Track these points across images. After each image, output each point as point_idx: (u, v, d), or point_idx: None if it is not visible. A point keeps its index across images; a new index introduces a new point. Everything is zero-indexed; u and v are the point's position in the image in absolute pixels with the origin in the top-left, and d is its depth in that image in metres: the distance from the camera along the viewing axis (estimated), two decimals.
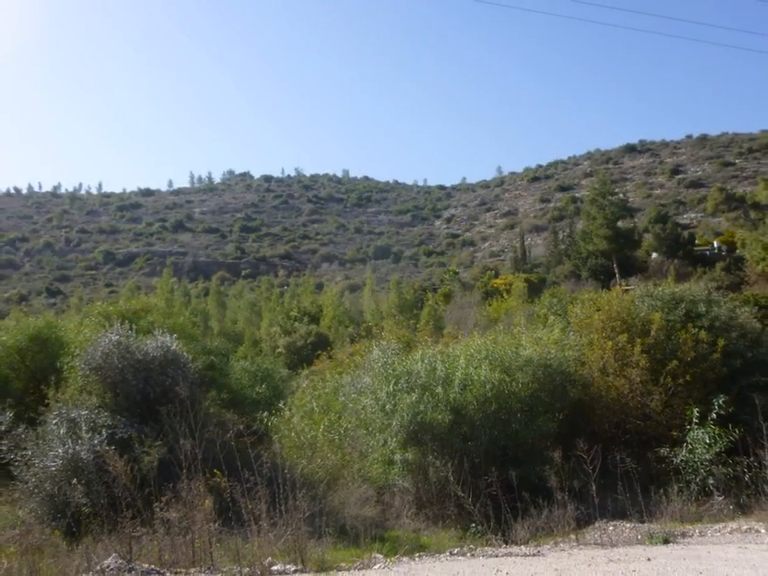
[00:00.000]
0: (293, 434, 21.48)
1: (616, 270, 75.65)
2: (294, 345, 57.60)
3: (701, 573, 9.97)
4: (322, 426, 21.19)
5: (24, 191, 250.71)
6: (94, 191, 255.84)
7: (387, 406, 18.60)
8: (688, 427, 17.77)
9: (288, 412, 23.40)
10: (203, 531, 11.33)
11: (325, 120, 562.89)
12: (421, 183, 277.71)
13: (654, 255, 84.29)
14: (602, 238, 75.58)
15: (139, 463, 13.67)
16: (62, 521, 14.08)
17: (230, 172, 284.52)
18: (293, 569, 10.84)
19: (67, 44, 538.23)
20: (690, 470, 17.22)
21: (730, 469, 16.68)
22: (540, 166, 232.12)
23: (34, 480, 15.13)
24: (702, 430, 17.36)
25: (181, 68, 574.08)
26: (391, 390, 18.97)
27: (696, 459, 17.17)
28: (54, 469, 14.90)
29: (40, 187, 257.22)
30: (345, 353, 38.02)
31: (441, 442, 17.57)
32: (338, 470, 18.68)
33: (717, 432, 17.04)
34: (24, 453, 15.66)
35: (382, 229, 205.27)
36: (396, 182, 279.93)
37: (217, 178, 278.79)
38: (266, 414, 23.10)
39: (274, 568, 10.74)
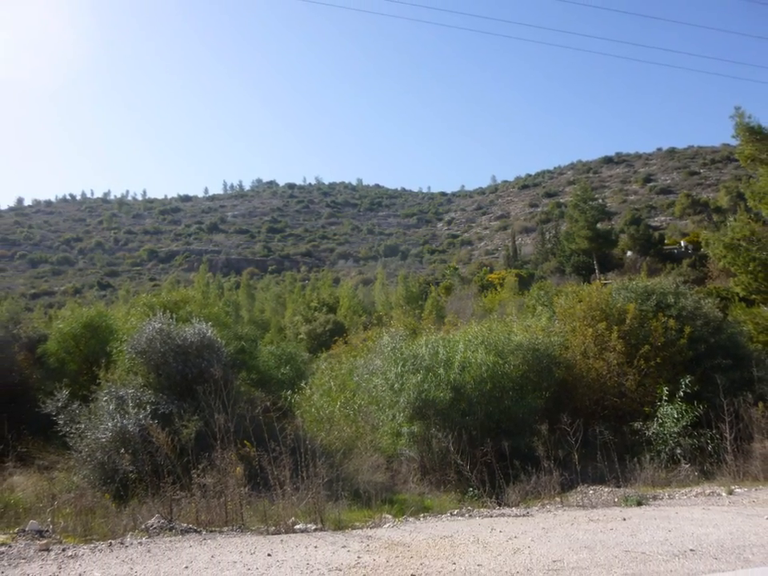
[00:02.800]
0: (313, 409, 21.53)
1: (596, 266, 75.44)
2: (314, 331, 57.60)
3: (670, 531, 9.95)
4: (338, 403, 21.22)
5: (78, 197, 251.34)
6: (139, 197, 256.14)
7: (395, 385, 18.62)
8: (658, 404, 17.79)
9: (309, 390, 23.43)
10: (235, 495, 11.35)
11: (341, 135, 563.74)
12: (425, 190, 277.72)
13: (629, 253, 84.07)
14: (584, 238, 75.48)
15: (179, 435, 13.67)
16: (112, 485, 14.12)
17: (258, 180, 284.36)
18: (313, 527, 10.84)
19: (117, 70, 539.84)
20: (660, 441, 17.22)
21: (695, 440, 16.68)
22: (529, 175, 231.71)
23: (87, 450, 15.18)
24: (671, 406, 17.38)
25: (215, 89, 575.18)
26: (399, 371, 18.97)
27: (665, 432, 17.18)
28: (104, 440, 14.93)
29: (92, 194, 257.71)
30: (358, 338, 37.97)
31: (442, 416, 17.56)
32: (353, 441, 18.67)
33: (684, 408, 17.06)
34: (78, 426, 15.72)
35: (391, 230, 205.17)
36: (403, 189, 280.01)
37: (247, 186, 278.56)
38: (289, 392, 23.14)
39: (297, 527, 10.74)
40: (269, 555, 8.97)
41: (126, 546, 9.55)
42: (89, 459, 15.13)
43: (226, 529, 10.76)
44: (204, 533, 10.47)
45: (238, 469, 11.52)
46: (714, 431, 15.98)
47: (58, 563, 8.72)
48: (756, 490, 13.99)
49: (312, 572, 8.25)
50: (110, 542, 9.82)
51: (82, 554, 9.14)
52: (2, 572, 8.35)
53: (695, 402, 16.99)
